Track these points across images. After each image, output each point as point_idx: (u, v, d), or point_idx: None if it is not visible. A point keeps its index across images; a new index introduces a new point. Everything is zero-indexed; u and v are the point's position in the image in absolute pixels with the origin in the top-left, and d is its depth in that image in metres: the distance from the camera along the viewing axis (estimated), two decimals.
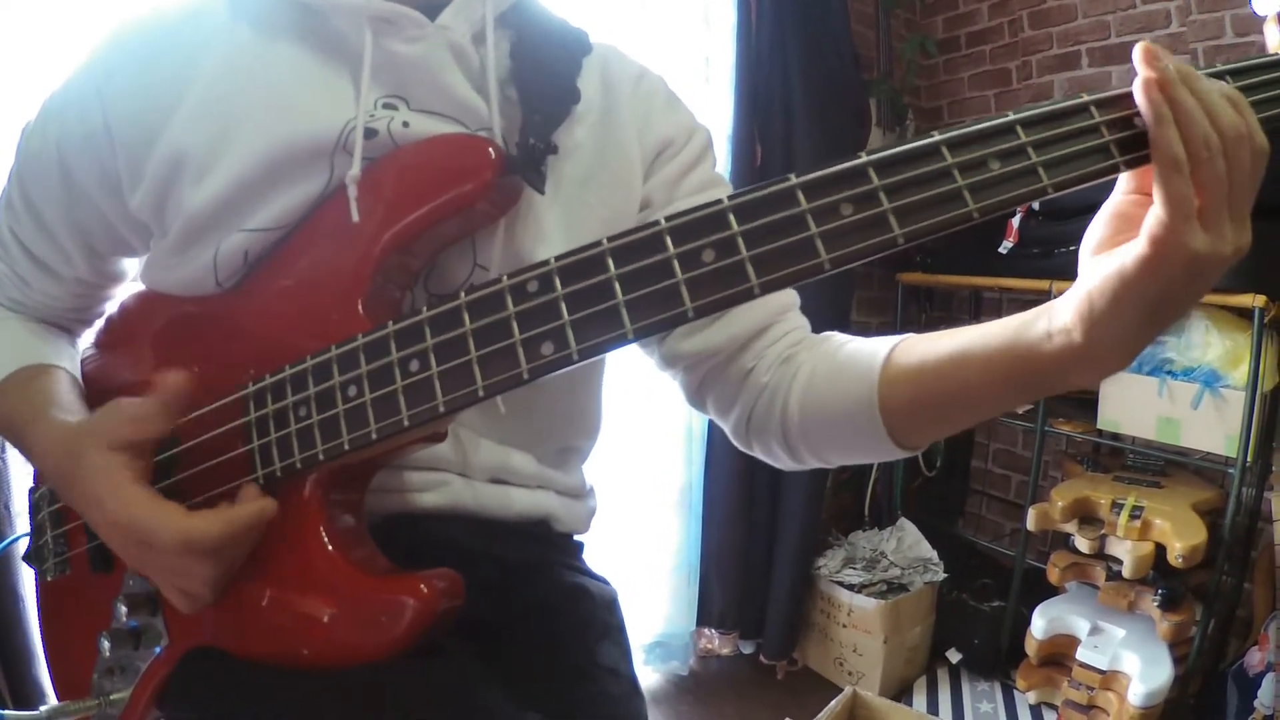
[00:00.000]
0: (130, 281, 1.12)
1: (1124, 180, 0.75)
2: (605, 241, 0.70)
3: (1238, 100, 0.68)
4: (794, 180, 0.67)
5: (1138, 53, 0.67)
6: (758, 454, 1.10)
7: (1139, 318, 0.69)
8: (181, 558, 0.78)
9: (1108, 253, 0.72)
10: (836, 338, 1.04)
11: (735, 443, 1.12)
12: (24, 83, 1.71)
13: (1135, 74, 0.67)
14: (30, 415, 0.95)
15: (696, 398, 1.12)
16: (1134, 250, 0.67)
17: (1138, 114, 0.67)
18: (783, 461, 1.08)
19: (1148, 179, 0.69)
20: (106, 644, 0.94)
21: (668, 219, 0.69)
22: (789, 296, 1.10)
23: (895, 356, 0.92)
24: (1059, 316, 0.74)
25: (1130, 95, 0.68)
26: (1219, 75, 0.71)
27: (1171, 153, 0.65)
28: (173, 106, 0.90)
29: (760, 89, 3.19)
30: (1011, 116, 0.68)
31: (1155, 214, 0.66)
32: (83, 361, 1.09)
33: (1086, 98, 0.69)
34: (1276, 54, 0.75)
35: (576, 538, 1.18)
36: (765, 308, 1.05)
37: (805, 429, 1.00)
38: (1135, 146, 0.68)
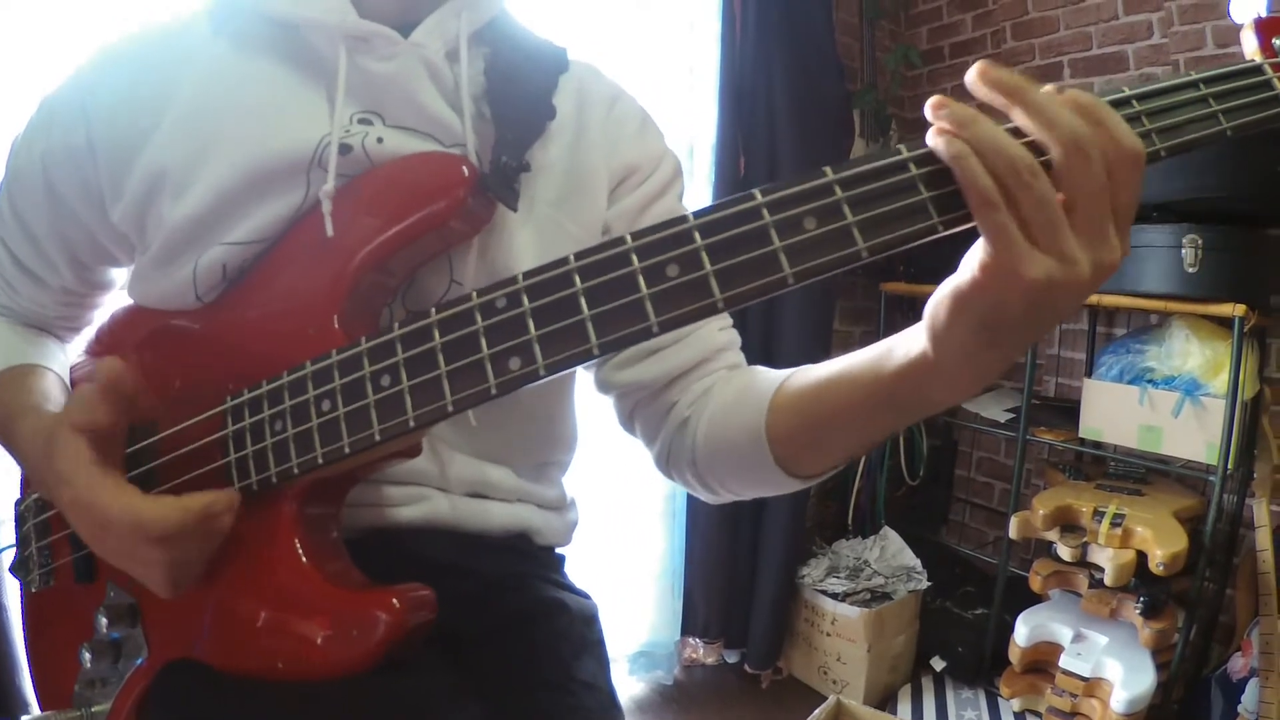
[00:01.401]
0: (119, 291, 1.12)
1: None
2: (573, 258, 0.71)
3: (1089, 108, 0.63)
4: (759, 196, 0.67)
5: (927, 108, 0.65)
6: (678, 484, 1.11)
7: (976, 337, 0.67)
8: (136, 542, 0.78)
9: (965, 260, 0.68)
10: (755, 371, 1.04)
11: (659, 470, 1.13)
12: (22, 86, 1.72)
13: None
14: (18, 410, 0.96)
15: (627, 423, 1.15)
16: (965, 271, 0.65)
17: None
18: (699, 493, 1.10)
19: None
20: (88, 656, 0.95)
21: (634, 235, 0.69)
22: (728, 337, 1.11)
23: (785, 384, 0.92)
24: (917, 332, 0.73)
25: None
26: (1192, 84, 0.70)
27: (976, 187, 0.62)
28: (154, 123, 0.91)
29: (744, 99, 3.20)
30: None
31: (980, 243, 0.64)
32: (72, 370, 1.10)
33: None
34: (1252, 61, 0.74)
35: (557, 551, 1.19)
36: (700, 347, 1.06)
37: (708, 458, 1.02)
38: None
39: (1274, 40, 0.76)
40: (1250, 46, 0.78)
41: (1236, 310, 2.54)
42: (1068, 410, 3.13)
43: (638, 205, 1.08)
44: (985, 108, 0.66)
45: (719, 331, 1.09)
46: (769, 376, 0.97)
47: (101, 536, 0.81)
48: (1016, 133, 0.64)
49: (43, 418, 0.94)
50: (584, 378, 1.14)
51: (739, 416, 0.96)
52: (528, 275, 0.72)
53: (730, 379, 1.05)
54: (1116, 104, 0.67)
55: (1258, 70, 0.73)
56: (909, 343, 0.74)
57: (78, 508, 0.80)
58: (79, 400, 0.82)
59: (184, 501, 0.79)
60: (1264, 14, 0.78)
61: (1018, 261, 0.61)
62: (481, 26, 0.99)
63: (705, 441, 1.00)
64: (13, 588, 1.87)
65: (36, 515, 1.07)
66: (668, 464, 1.09)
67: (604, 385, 1.10)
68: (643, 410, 1.10)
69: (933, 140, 0.64)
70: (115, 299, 1.13)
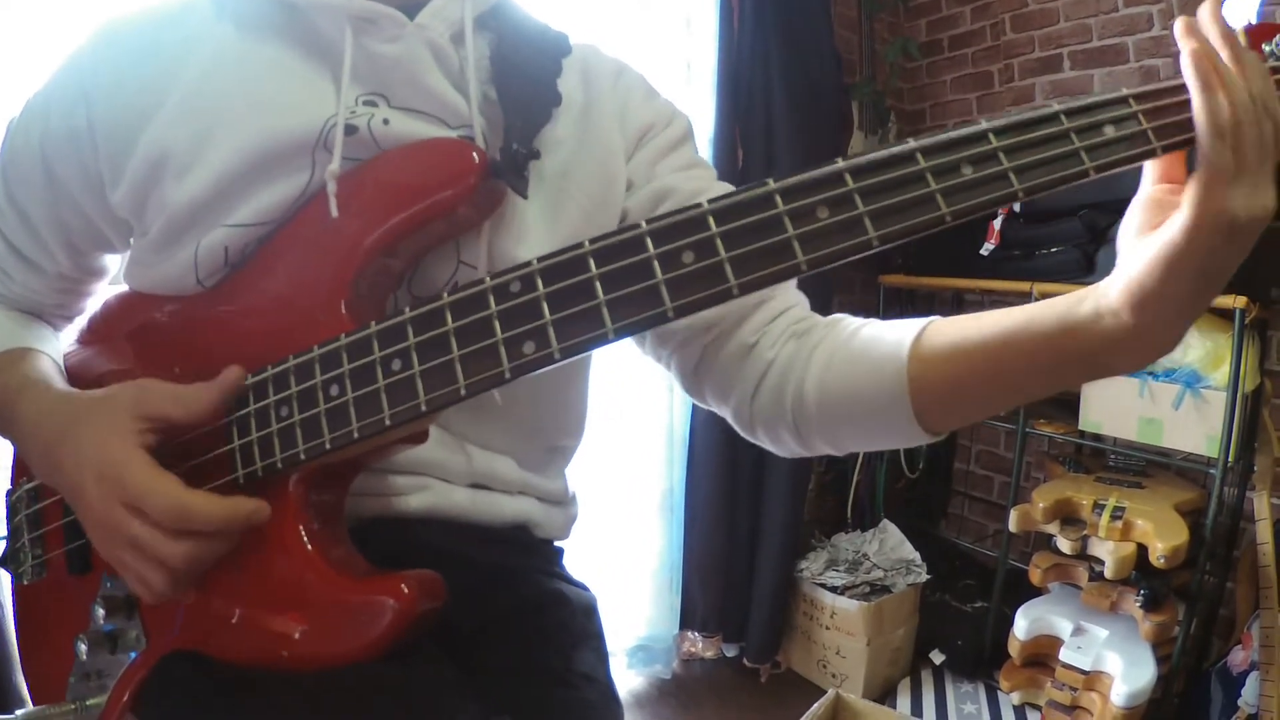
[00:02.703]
0: (113, 281, 1.12)
1: (1151, 170, 0.77)
2: (587, 243, 0.71)
3: (1262, 67, 0.71)
4: (772, 184, 0.68)
5: (1180, 27, 0.70)
6: (760, 438, 1.07)
7: (1189, 289, 0.71)
8: (166, 532, 0.77)
9: (1149, 235, 0.73)
10: (850, 321, 1.01)
11: (737, 428, 1.08)
12: (19, 76, 1.71)
13: (1177, 49, 0.71)
14: (18, 387, 0.96)
15: (693, 382, 1.09)
16: (1179, 221, 0.70)
17: (1108, 122, 0.70)
18: (787, 447, 1.05)
19: (1173, 169, 0.74)
20: (83, 647, 0.94)
21: (649, 221, 0.70)
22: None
23: (925, 339, 0.90)
24: (1107, 299, 0.75)
25: (1103, 102, 0.70)
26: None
27: (1220, 119, 0.68)
28: (156, 105, 0.91)
29: (742, 92, 3.20)
30: (984, 125, 0.69)
31: (1198, 182, 0.69)
32: (65, 358, 1.09)
33: (1056, 106, 0.71)
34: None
35: (557, 544, 1.18)
36: None
37: (824, 413, 0.97)
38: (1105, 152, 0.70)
39: (1264, 46, 0.78)
40: None
41: (1237, 302, 2.54)
42: (1068, 403, 3.12)
43: (656, 154, 1.07)
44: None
45: None
46: (892, 330, 0.94)
47: (124, 522, 0.79)
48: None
49: (51, 392, 0.94)
50: (600, 357, 1.10)
51: (868, 368, 0.93)
52: (542, 259, 0.72)
53: (831, 328, 1.01)
54: (1111, 103, 0.73)
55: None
56: (1094, 311, 0.77)
57: (105, 483, 0.79)
58: (165, 392, 0.83)
59: (232, 502, 0.79)
60: (1254, 21, 0.80)
61: (1228, 197, 0.68)
62: (486, 10, 0.99)
63: (820, 392, 0.96)
64: (3, 581, 1.86)
65: (29, 506, 1.06)
66: (751, 417, 1.05)
67: (663, 337, 1.07)
68: (713, 358, 1.05)
69: (1187, 66, 0.70)
70: (108, 289, 1.12)
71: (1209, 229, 0.68)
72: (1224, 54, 0.70)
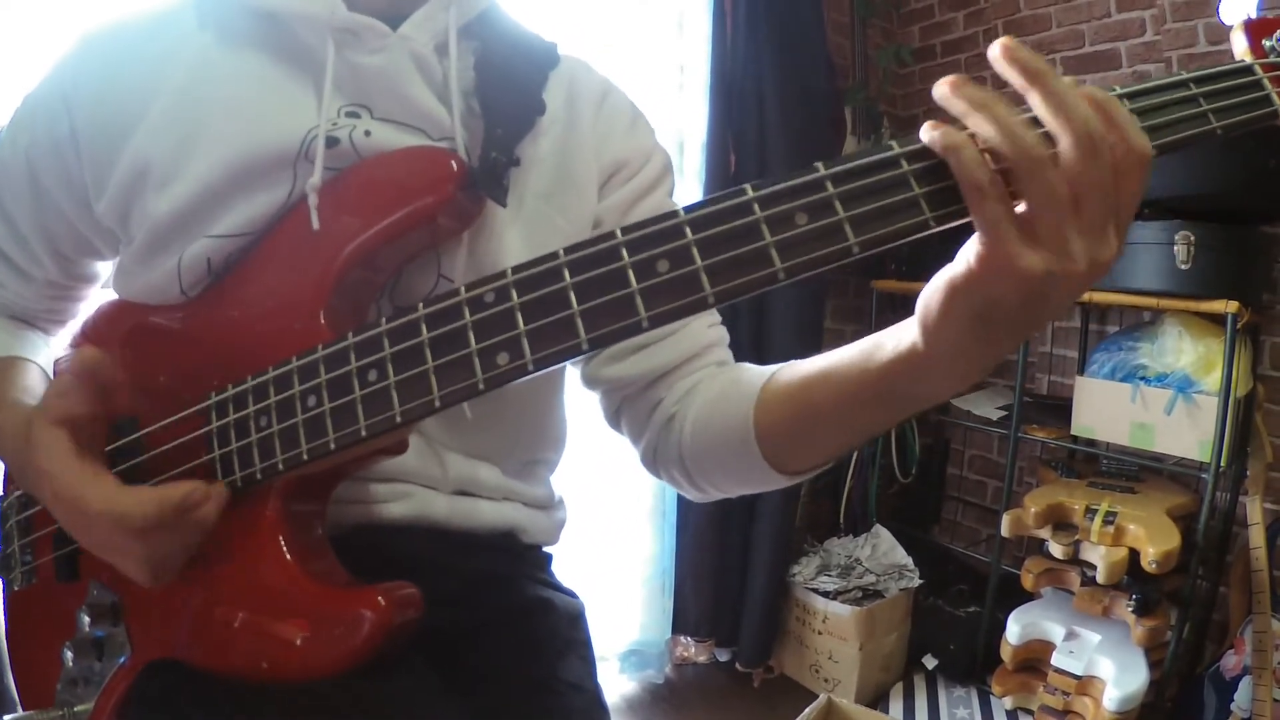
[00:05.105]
0: (103, 287, 1.12)
1: None
2: (562, 253, 0.71)
3: (1104, 104, 0.64)
4: (750, 191, 0.67)
5: (941, 86, 0.65)
6: (665, 482, 1.10)
7: (970, 330, 0.67)
8: (116, 534, 0.77)
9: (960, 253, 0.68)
10: (741, 367, 1.03)
11: (645, 469, 1.12)
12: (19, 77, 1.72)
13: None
14: (2, 399, 0.96)
15: (613, 420, 1.14)
16: (961, 262, 0.66)
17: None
18: (687, 491, 1.09)
19: None
20: (70, 654, 0.94)
21: (624, 230, 0.69)
22: (716, 334, 1.10)
23: (772, 380, 0.92)
24: (907, 326, 0.73)
25: None
26: (1183, 83, 0.70)
27: (971, 178, 0.62)
28: (139, 115, 0.91)
29: (735, 97, 3.20)
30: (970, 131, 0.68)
31: (975, 236, 0.64)
32: (56, 363, 1.09)
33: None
34: (1242, 61, 0.75)
35: (545, 549, 1.18)
36: (687, 343, 1.05)
37: (695, 456, 1.01)
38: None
39: (1264, 41, 0.77)
40: (1240, 47, 0.79)
41: (1229, 307, 2.54)
42: (1060, 408, 3.13)
43: (628, 200, 1.07)
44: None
45: (708, 328, 1.08)
46: (756, 372, 0.96)
47: (84, 528, 0.81)
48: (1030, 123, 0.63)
49: (18, 410, 0.93)
50: (572, 374, 1.13)
51: (725, 413, 0.95)
52: (516, 270, 0.72)
53: (716, 375, 1.04)
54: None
55: (1248, 70, 0.74)
56: (899, 336, 0.74)
57: (59, 501, 0.80)
58: (55, 391, 0.82)
59: (161, 493, 0.78)
60: (1254, 15, 0.79)
61: (1012, 254, 0.61)
62: (471, 20, 0.99)
63: (692, 439, 1.00)
64: None
65: (19, 513, 1.06)
66: (654, 462, 1.08)
67: (590, 381, 1.09)
68: (629, 407, 1.09)
69: (926, 134, 0.64)
70: (101, 293, 1.13)
71: (990, 282, 0.64)
72: (983, 111, 0.63)
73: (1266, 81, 0.73)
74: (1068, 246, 0.62)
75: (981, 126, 0.62)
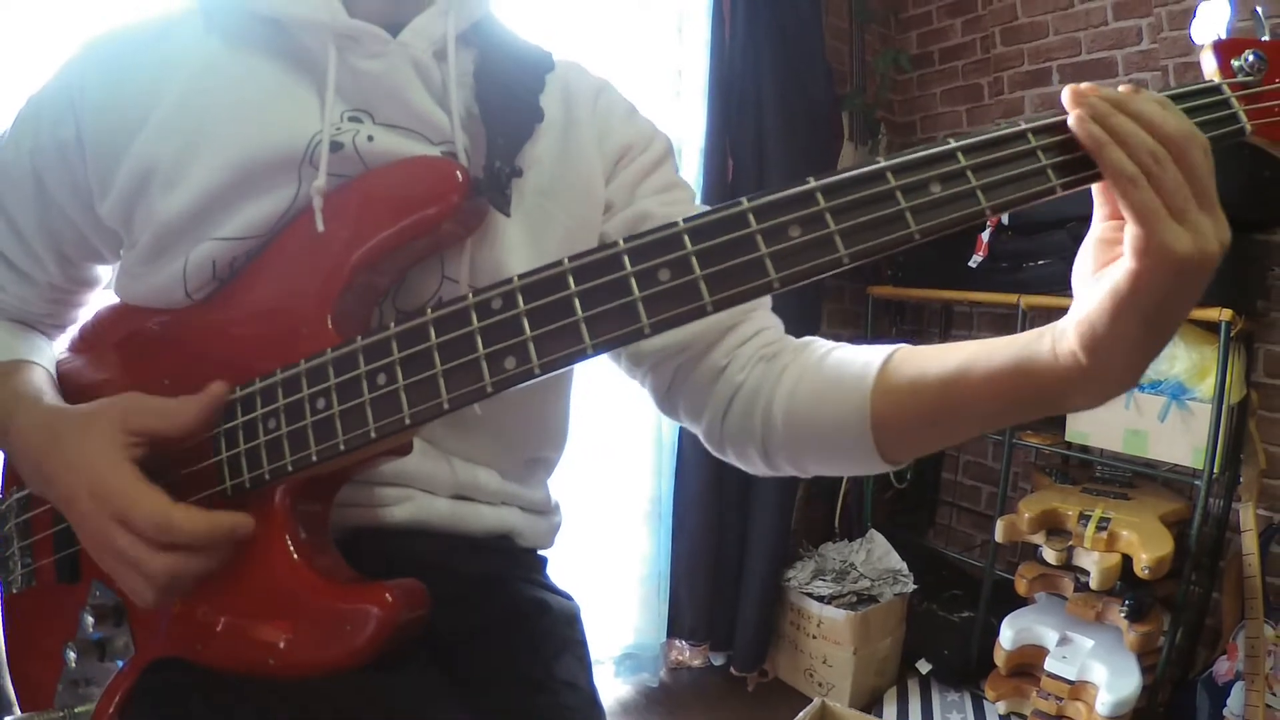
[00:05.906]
0: (104, 290, 1.12)
1: (1098, 209, 0.77)
2: (566, 260, 0.73)
3: (1169, 105, 0.71)
4: (745, 203, 0.70)
5: (1065, 97, 0.71)
6: (730, 458, 1.08)
7: (1140, 331, 0.71)
8: (151, 544, 0.78)
9: (1099, 274, 0.74)
10: (819, 344, 1.02)
11: (708, 446, 1.10)
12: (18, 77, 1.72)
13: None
14: (11, 399, 0.96)
15: (666, 401, 1.11)
16: (1122, 266, 0.70)
17: (1069, 137, 0.70)
18: (756, 467, 1.06)
19: (1116, 206, 0.71)
20: (72, 655, 0.94)
21: (626, 240, 0.71)
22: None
23: (890, 369, 0.91)
24: (1064, 338, 0.75)
25: (1063, 122, 0.71)
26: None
27: (1123, 171, 0.68)
28: (143, 118, 0.92)
29: (733, 102, 3.21)
30: (953, 144, 0.71)
31: (1131, 228, 0.68)
32: (57, 365, 1.09)
33: (1024, 125, 0.72)
34: (1210, 81, 0.79)
35: (540, 553, 1.19)
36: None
37: (789, 437, 0.98)
38: (1072, 169, 0.71)
39: (1232, 61, 0.80)
40: (1210, 67, 0.82)
41: (1223, 315, 2.55)
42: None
43: (636, 176, 1.08)
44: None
45: None
46: (858, 357, 0.95)
47: (112, 533, 0.79)
48: None
49: (43, 406, 0.94)
50: (582, 372, 1.11)
51: (836, 401, 0.93)
52: (523, 276, 0.74)
53: (800, 352, 1.02)
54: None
55: (1216, 90, 0.78)
56: (1055, 349, 0.77)
57: (96, 498, 0.80)
58: (150, 406, 0.85)
59: (214, 516, 0.80)
60: (1223, 36, 0.81)
61: (1169, 240, 0.67)
62: (468, 28, 1.01)
63: (786, 417, 0.97)
64: None
65: (18, 515, 1.06)
66: (721, 437, 1.06)
67: (636, 358, 1.07)
68: (684, 379, 1.06)
69: (1076, 126, 0.70)
70: (101, 297, 1.13)
71: (1154, 272, 0.68)
72: (1115, 113, 0.70)
73: (1235, 100, 0.77)
74: (1203, 226, 0.68)
75: (1122, 123, 0.69)
